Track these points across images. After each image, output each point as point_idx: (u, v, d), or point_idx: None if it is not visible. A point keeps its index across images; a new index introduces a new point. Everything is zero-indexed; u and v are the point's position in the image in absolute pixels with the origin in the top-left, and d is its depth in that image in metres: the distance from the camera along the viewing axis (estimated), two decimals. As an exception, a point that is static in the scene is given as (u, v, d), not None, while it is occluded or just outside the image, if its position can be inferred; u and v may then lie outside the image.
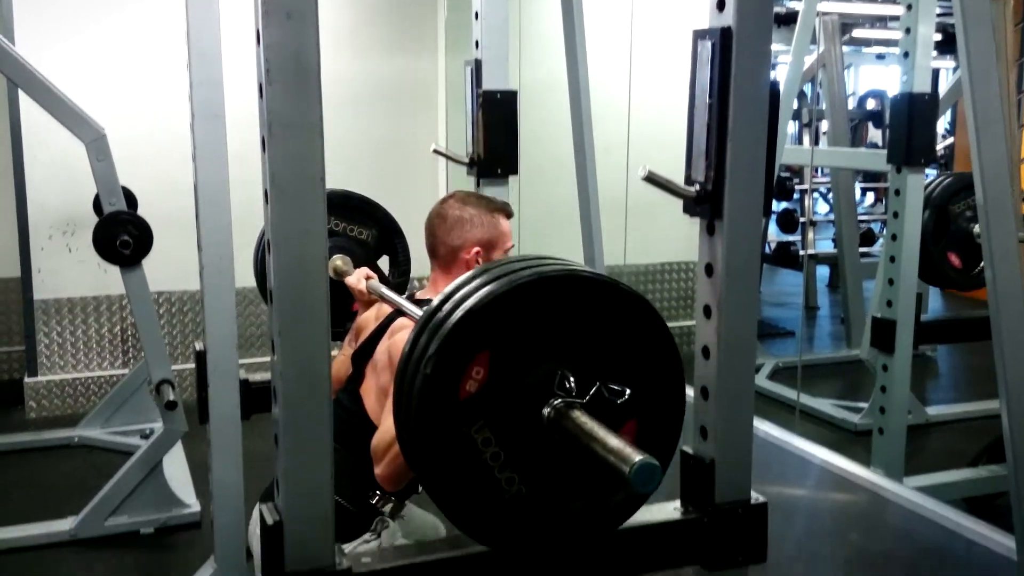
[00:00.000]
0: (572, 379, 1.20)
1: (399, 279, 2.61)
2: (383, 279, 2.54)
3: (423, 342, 1.19)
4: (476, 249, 2.08)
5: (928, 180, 3.42)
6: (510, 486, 1.21)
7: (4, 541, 3.32)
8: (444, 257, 2.11)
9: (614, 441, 1.11)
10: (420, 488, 2.03)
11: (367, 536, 1.99)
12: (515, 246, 2.16)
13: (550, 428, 1.20)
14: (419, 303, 2.04)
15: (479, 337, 1.17)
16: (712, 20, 1.31)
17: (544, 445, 1.21)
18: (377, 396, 2.00)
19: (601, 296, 1.22)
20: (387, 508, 2.00)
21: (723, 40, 1.29)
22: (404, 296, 2.11)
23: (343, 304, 2.30)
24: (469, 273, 1.25)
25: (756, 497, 1.39)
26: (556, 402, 1.19)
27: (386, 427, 1.81)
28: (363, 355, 2.10)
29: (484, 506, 1.21)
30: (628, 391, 1.23)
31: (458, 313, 1.17)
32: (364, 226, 2.56)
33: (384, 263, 2.65)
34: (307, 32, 1.15)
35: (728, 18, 1.29)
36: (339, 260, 2.41)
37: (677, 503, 1.39)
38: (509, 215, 2.17)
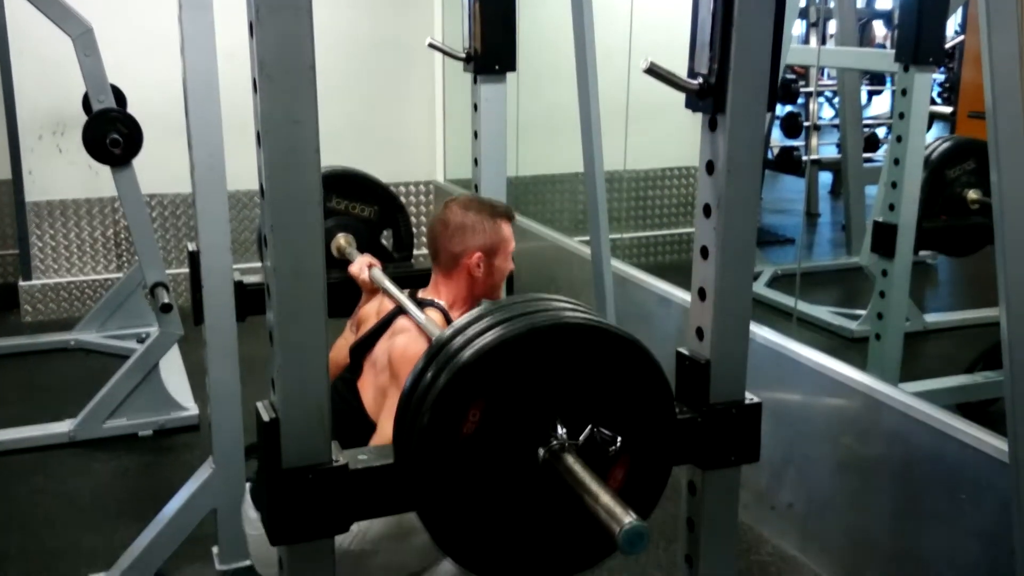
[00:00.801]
0: (566, 425, 1.22)
1: (402, 253, 2.61)
2: (386, 255, 2.54)
3: (416, 398, 1.21)
4: (478, 255, 2.07)
5: (928, 144, 3.37)
6: (510, 523, 1.24)
7: (3, 443, 3.36)
8: (446, 263, 2.10)
9: (605, 498, 1.12)
10: None
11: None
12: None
13: (546, 469, 1.22)
14: (420, 303, 2.05)
15: (472, 390, 1.19)
16: (719, -99, 1.25)
17: (541, 485, 1.23)
18: (375, 395, 2.01)
19: (591, 341, 1.23)
20: None
21: (729, -80, 1.23)
22: (406, 293, 2.11)
23: (350, 292, 2.33)
24: (463, 319, 1.25)
25: (750, 397, 1.39)
26: (551, 444, 1.21)
27: (384, 431, 1.83)
28: (362, 349, 2.10)
29: (483, 541, 1.24)
30: (620, 439, 1.25)
31: (447, 372, 1.18)
32: (365, 203, 2.55)
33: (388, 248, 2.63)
34: (293, -90, 1.09)
35: (736, -102, 1.22)
36: (343, 239, 2.42)
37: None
38: (511, 219, 2.15)
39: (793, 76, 6.54)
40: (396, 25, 5.13)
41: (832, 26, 5.89)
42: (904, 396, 2.47)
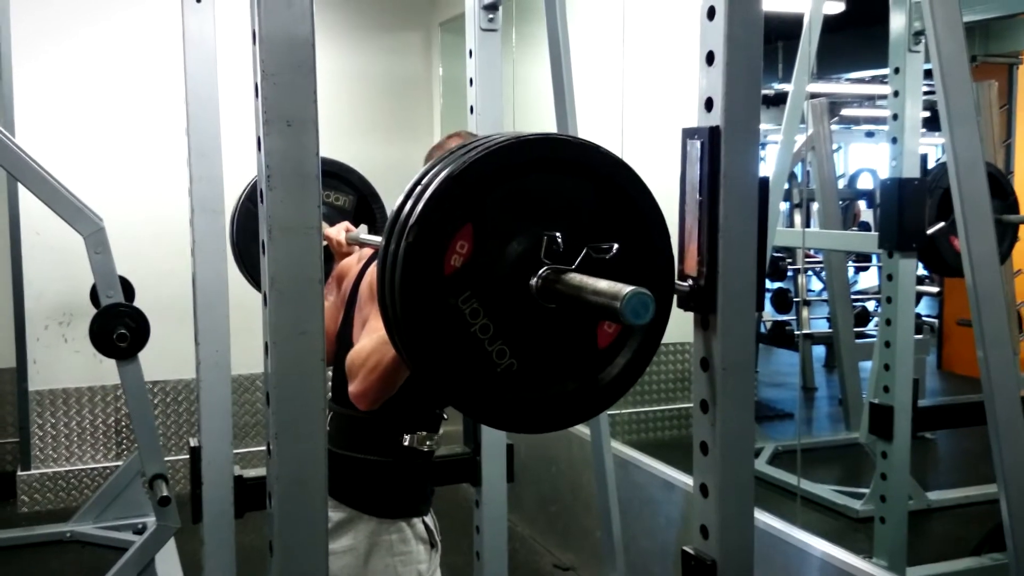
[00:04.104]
0: (560, 244, 1.18)
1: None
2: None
3: (406, 211, 1.16)
4: None
5: (932, 167, 3.41)
6: (501, 359, 1.19)
7: (-8, 643, 3.25)
8: None
9: (602, 284, 1.10)
10: (445, 415, 2.05)
11: (424, 533, 2.05)
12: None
13: (540, 297, 1.18)
14: None
15: (461, 207, 1.14)
16: (701, 120, 1.33)
17: (534, 318, 1.19)
18: (360, 329, 1.95)
19: (582, 158, 1.21)
20: (427, 445, 2.00)
21: (712, 139, 1.31)
22: None
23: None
24: (451, 147, 1.23)
25: (759, 599, 1.37)
26: (544, 271, 1.17)
27: (361, 345, 1.79)
28: (352, 302, 2.07)
29: (475, 380, 1.18)
30: (616, 245, 1.21)
31: (440, 178, 1.14)
32: (341, 192, 2.51)
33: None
34: (307, 139, 1.18)
35: (716, 118, 1.31)
36: None
37: (679, 607, 1.37)
38: None
39: (781, 254, 6.71)
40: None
41: (816, 206, 6.09)
42: (913, 586, 2.43)
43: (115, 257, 3.41)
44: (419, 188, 1.17)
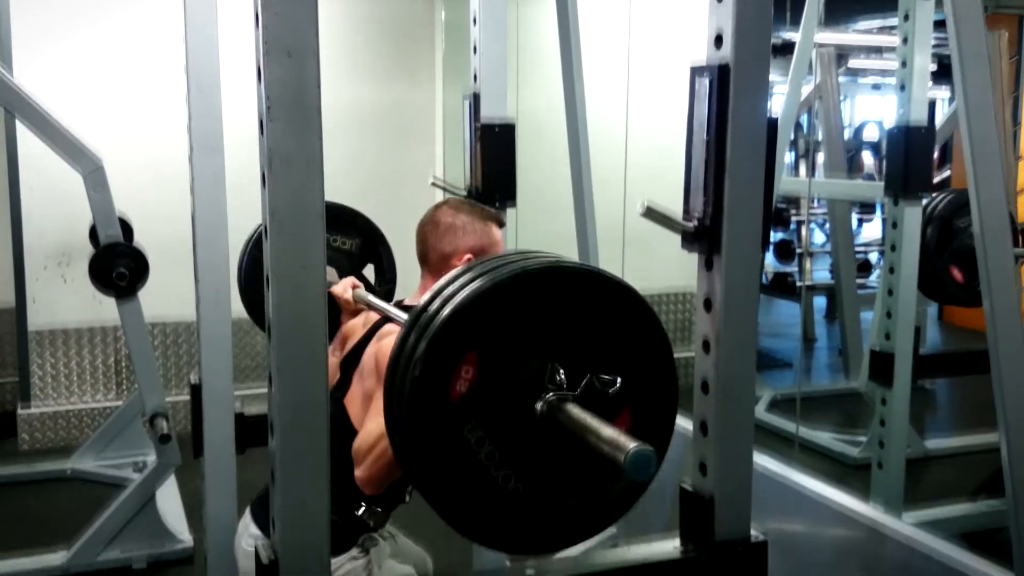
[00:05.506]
0: (563, 372, 1.20)
1: (385, 287, 2.57)
2: (369, 288, 2.50)
3: (411, 343, 1.18)
4: (468, 256, 2.06)
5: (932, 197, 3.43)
6: (507, 484, 1.21)
7: (-5, 574, 3.29)
8: (435, 264, 2.09)
9: (608, 431, 1.11)
10: (407, 498, 2.03)
11: (354, 552, 1.99)
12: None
13: (544, 423, 1.19)
14: (406, 309, 1.99)
15: (466, 337, 1.16)
16: (710, 57, 1.31)
17: (539, 441, 1.21)
18: (362, 403, 1.96)
19: (585, 287, 1.23)
20: (373, 520, 1.98)
21: (720, 76, 1.29)
22: (392, 303, 2.09)
23: (330, 315, 2.24)
24: (454, 271, 1.25)
25: (756, 535, 1.38)
26: (548, 396, 1.19)
27: (368, 429, 1.79)
28: (351, 362, 2.07)
29: (482, 505, 1.20)
30: (619, 380, 1.23)
31: (445, 312, 1.16)
32: (347, 235, 2.52)
33: (369, 274, 2.61)
34: (308, 70, 1.16)
35: (726, 55, 1.29)
36: None
37: (676, 541, 1.38)
38: (501, 224, 2.16)
39: (784, 204, 6.69)
40: (400, 161, 5.24)
41: (821, 155, 6.06)
42: (908, 528, 2.44)
43: (114, 196, 3.38)
44: (424, 317, 1.18)
